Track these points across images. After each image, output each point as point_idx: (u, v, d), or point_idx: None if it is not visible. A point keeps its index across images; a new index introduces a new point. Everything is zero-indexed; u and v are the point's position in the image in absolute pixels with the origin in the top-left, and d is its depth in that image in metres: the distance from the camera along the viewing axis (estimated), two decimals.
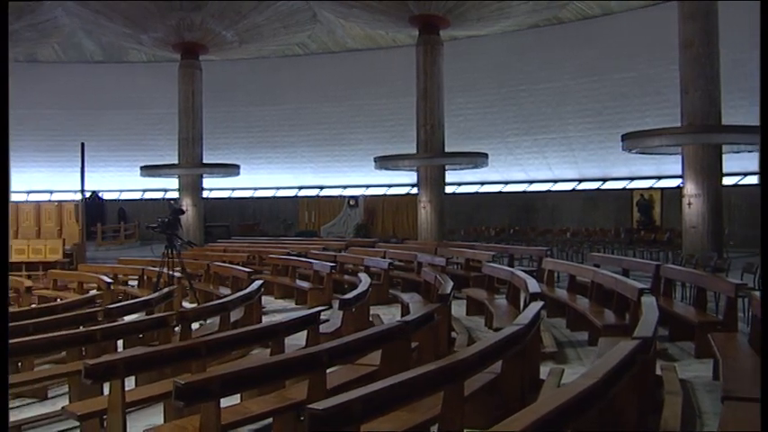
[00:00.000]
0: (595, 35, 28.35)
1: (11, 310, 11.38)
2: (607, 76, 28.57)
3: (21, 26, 29.54)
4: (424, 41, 26.21)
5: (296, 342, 7.61)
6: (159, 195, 35.95)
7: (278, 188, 36.59)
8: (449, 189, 27.85)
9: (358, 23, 30.34)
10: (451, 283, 9.56)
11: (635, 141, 20.11)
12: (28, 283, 13.99)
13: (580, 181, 31.52)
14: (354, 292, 9.58)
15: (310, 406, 3.82)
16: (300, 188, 36.26)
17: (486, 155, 26.64)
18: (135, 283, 15.57)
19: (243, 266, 14.88)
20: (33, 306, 12.42)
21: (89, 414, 6.00)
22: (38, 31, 30.56)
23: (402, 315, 11.27)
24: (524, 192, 32.70)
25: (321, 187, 36.05)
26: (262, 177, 35.80)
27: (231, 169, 31.42)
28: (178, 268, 12.97)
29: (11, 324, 8.40)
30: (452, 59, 27.58)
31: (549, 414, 3.59)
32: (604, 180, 30.86)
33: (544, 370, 7.19)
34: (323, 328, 8.13)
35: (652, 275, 10.90)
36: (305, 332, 7.68)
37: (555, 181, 32.17)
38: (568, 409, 3.77)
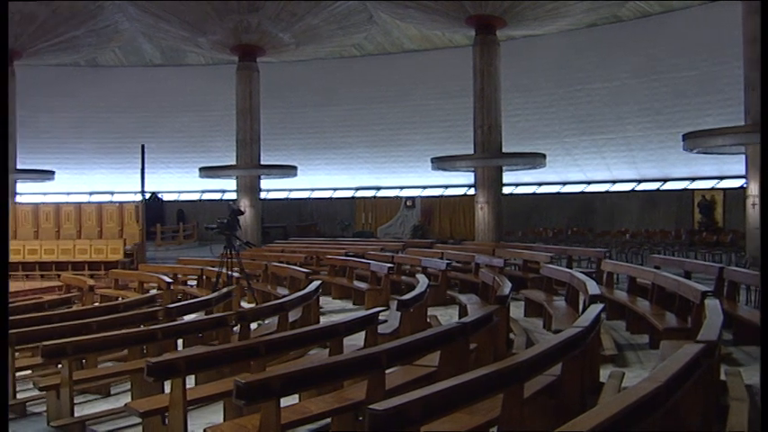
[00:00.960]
0: (655, 33, 27.94)
1: (75, 308, 11.63)
2: (667, 74, 28.14)
3: (82, 32, 30.18)
4: (481, 42, 26.08)
5: (353, 342, 7.63)
6: (217, 196, 36.36)
7: (335, 189, 36.73)
8: (506, 190, 27.68)
9: (414, 24, 30.33)
10: (510, 285, 9.49)
11: (697, 141, 19.73)
12: (90, 282, 14.20)
13: (639, 181, 31.09)
14: (412, 293, 9.56)
15: (371, 406, 3.82)
16: (357, 189, 36.35)
17: (543, 155, 26.42)
18: (194, 282, 15.73)
19: (300, 267, 14.96)
20: (96, 305, 12.61)
21: (151, 411, 6.09)
22: (99, 36, 31.18)
23: (460, 316, 11.25)
24: (582, 192, 32.37)
25: (378, 188, 36.11)
26: (319, 178, 35.99)
27: (288, 170, 31.63)
28: (237, 268, 13.09)
29: (76, 322, 8.62)
30: (509, 59, 27.41)
31: (613, 418, 3.54)
32: (664, 180, 30.40)
33: (604, 373, 7.10)
34: (381, 329, 8.13)
35: (715, 278, 10.67)
36: (363, 333, 7.69)
37: (613, 182, 31.78)
38: (631, 414, 3.72)
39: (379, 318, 7.98)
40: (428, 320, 10.82)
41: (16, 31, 29.18)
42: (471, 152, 26.35)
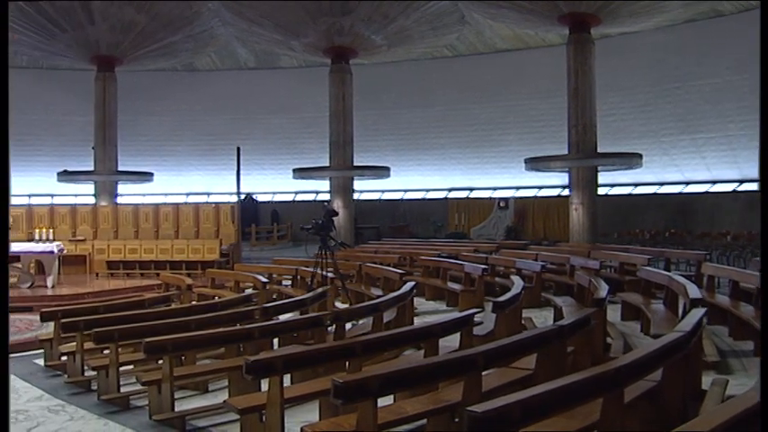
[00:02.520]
0: (758, 27, 27.01)
1: (174, 306, 11.90)
2: None
3: (180, 38, 31.00)
4: (575, 40, 25.77)
5: (446, 344, 7.60)
6: (311, 197, 36.74)
7: (428, 190, 36.72)
8: (601, 190, 27.26)
9: (507, 24, 30.14)
10: (606, 287, 9.33)
11: None
12: (188, 281, 14.50)
13: (741, 182, 30.13)
14: (508, 295, 9.49)
15: (469, 408, 3.81)
16: (450, 190, 36.26)
17: (640, 155, 25.93)
18: (288, 282, 15.90)
19: (394, 268, 14.99)
20: (193, 303, 12.89)
21: (249, 408, 6.19)
22: (195, 41, 31.96)
23: (555, 319, 11.11)
24: (680, 193, 31.59)
25: (471, 189, 35.95)
26: (411, 179, 36.05)
27: (381, 171, 31.82)
28: (331, 269, 13.19)
29: (176, 320, 8.83)
30: (604, 57, 26.97)
31: (719, 428, 3.45)
32: None
33: (706, 380, 6.88)
34: (476, 331, 8.09)
35: None
36: (457, 334, 7.66)
37: (713, 182, 30.90)
38: (737, 425, 3.61)
39: (475, 319, 7.93)
40: (523, 322, 10.72)
41: (117, 39, 30.15)
42: (565, 152, 26.05)
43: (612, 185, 31.94)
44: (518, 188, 34.75)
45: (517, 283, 10.44)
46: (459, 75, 34.55)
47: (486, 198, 35.03)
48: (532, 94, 32.89)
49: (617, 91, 30.38)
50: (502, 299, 9.21)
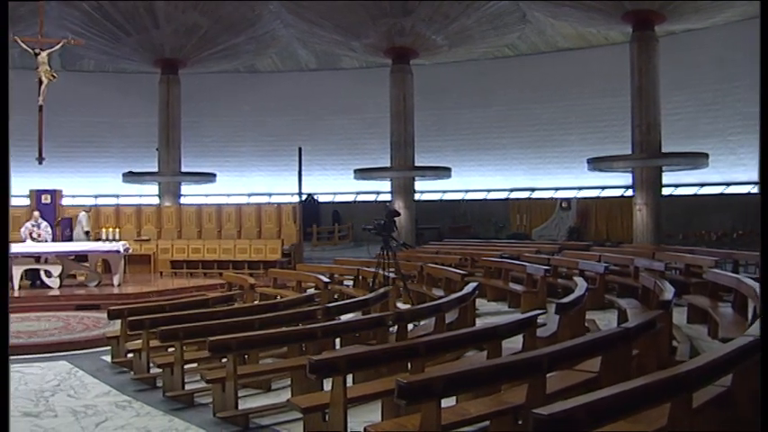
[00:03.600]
0: None
1: (237, 305, 12.02)
2: None
3: (242, 40, 31.35)
4: (638, 38, 25.42)
5: (508, 345, 7.53)
6: (372, 198, 36.81)
7: (489, 190, 36.52)
8: (665, 191, 26.82)
9: (569, 22, 29.86)
10: (672, 290, 9.17)
11: None
12: (251, 280, 14.62)
13: None
14: (571, 296, 9.38)
15: (535, 411, 3.78)
16: (511, 190, 36.01)
17: (706, 155, 25.46)
18: (350, 282, 15.93)
19: (455, 268, 14.94)
20: (256, 303, 13.01)
21: (312, 407, 6.25)
22: (257, 43, 32.32)
23: (619, 321, 10.94)
24: (748, 194, 30.90)
25: (532, 189, 35.66)
26: (472, 179, 35.89)
27: (442, 171, 31.79)
28: (393, 269, 13.20)
29: (240, 319, 8.92)
30: (668, 55, 26.55)
31: None
32: None
33: None
34: (539, 332, 8.02)
35: None
36: (520, 336, 7.60)
37: None
38: None
39: (537, 321, 7.86)
40: (586, 324, 10.59)
41: (181, 42, 30.62)
42: (629, 152, 25.70)
43: (677, 186, 31.37)
44: (580, 188, 34.36)
45: (580, 285, 10.30)
46: (521, 74, 34.33)
47: (548, 198, 34.71)
48: (595, 93, 32.53)
49: (682, 89, 29.86)
50: (565, 300, 9.11)
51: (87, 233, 20.05)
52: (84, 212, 21.40)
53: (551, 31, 32.00)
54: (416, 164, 31.25)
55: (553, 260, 16.17)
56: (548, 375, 5.72)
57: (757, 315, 7.61)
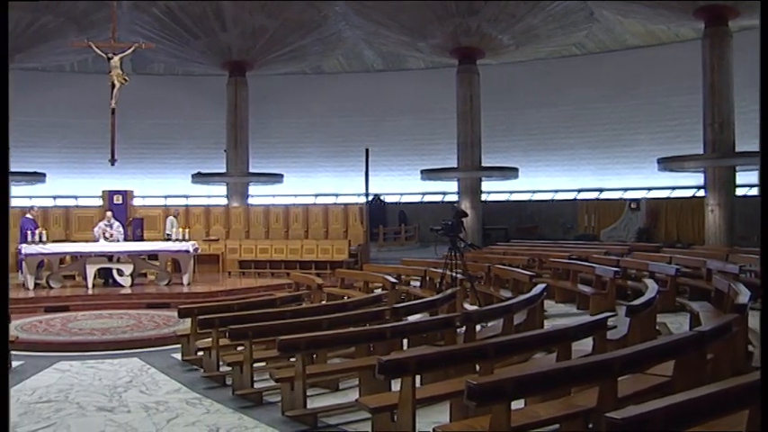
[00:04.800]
0: None
1: (304, 305, 12.09)
2: None
3: (308, 41, 31.61)
4: (711, 34, 24.86)
5: (577, 347, 7.43)
6: (438, 198, 36.76)
7: (556, 191, 36.17)
8: (740, 191, 26.21)
9: (638, 20, 29.42)
10: (748, 293, 8.95)
11: None
12: (319, 280, 14.69)
13: None
14: (642, 299, 9.22)
15: (608, 414, 3.72)
16: (579, 191, 35.60)
17: None
18: (417, 283, 15.92)
19: (523, 269, 14.82)
20: (324, 303, 13.07)
21: (381, 408, 6.25)
22: (324, 44, 32.53)
23: (691, 324, 10.74)
24: None
25: (601, 190, 35.20)
26: (540, 180, 35.58)
27: (509, 172, 31.60)
28: (460, 270, 13.14)
29: (308, 319, 8.98)
30: (742, 51, 25.89)
31: None
32: None
33: None
34: (609, 335, 7.89)
35: None
36: (589, 338, 7.49)
37: None
38: None
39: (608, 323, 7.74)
40: (657, 328, 10.42)
41: (248, 44, 30.99)
42: (701, 152, 25.18)
43: (752, 186, 30.61)
44: (650, 189, 33.78)
45: (651, 287, 10.12)
46: (588, 73, 33.95)
47: (617, 199, 34.20)
48: (665, 91, 31.98)
49: (757, 86, 29.02)
50: (636, 303, 8.96)
51: (169, 236, 20.21)
52: (172, 216, 21.73)
53: (620, 29, 31.56)
54: (483, 164, 31.11)
55: (622, 262, 15.93)
56: (619, 379, 5.63)
57: None
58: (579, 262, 16.30)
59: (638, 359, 5.84)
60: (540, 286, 10.60)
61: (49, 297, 16.36)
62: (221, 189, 34.00)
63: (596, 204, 34.46)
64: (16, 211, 23.07)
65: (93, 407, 7.77)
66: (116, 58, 18.53)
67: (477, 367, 6.88)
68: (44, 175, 31.36)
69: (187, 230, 19.66)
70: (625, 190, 34.45)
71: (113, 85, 18.52)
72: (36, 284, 17.42)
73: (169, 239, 19.65)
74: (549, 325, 11.03)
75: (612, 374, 5.41)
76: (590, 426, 5.65)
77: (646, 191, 33.90)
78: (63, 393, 8.35)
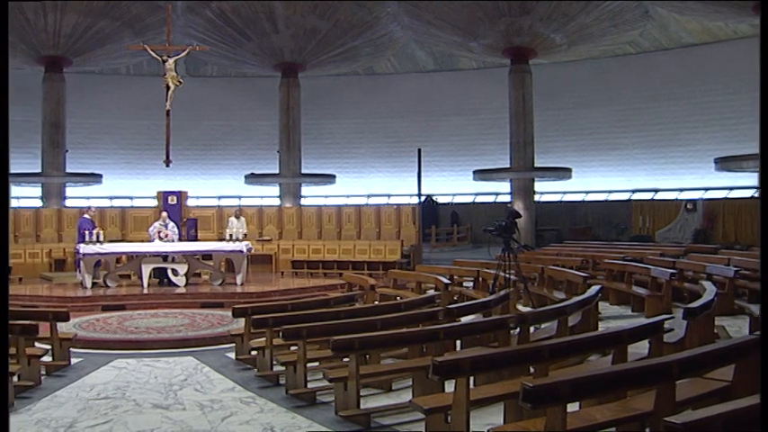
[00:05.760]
0: None
1: (357, 305, 12.11)
2: None
3: (360, 42, 31.69)
4: None
5: (632, 351, 7.32)
6: (491, 199, 36.60)
7: (610, 191, 35.75)
8: None
9: (694, 17, 28.95)
10: None
11: None
12: (371, 281, 14.68)
13: None
14: (700, 301, 9.05)
15: (667, 419, 3.65)
16: (634, 191, 35.15)
17: None
18: (470, 284, 15.84)
19: (577, 271, 14.67)
20: (376, 303, 13.08)
21: (435, 408, 6.23)
22: (375, 45, 32.58)
23: (750, 328, 10.55)
24: None
25: (656, 190, 34.70)
26: (593, 180, 35.21)
27: (562, 172, 31.35)
28: (513, 271, 13.06)
29: (362, 319, 8.99)
30: None
31: None
32: None
33: None
34: (666, 338, 7.76)
35: None
36: (645, 341, 7.38)
37: None
38: None
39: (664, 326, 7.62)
40: (715, 331, 10.24)
41: (300, 45, 31.17)
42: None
43: None
44: (707, 189, 33.23)
45: (709, 289, 9.94)
46: (643, 72, 33.51)
47: (673, 200, 33.69)
48: (723, 89, 31.44)
49: None
50: (694, 305, 8.79)
51: (230, 236, 20.20)
52: (233, 218, 21.85)
53: (675, 27, 31.10)
54: (536, 164, 30.91)
55: (679, 263, 15.70)
56: (677, 383, 5.55)
57: None
58: (634, 263, 16.07)
59: (697, 363, 5.75)
60: (595, 288, 10.50)
61: (106, 296, 16.63)
62: (274, 190, 34.24)
63: (651, 205, 33.96)
64: (74, 211, 23.58)
65: (150, 404, 7.89)
66: (171, 61, 18.77)
67: (531, 369, 6.83)
68: (101, 176, 31.93)
69: (243, 230, 19.89)
70: (681, 190, 33.93)
71: (168, 88, 18.76)
72: (93, 283, 17.74)
73: (223, 239, 19.80)
74: (603, 327, 10.93)
75: (671, 378, 5.33)
76: (647, 430, 5.58)
77: (702, 191, 33.35)
78: (120, 390, 8.48)
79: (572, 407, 5.76)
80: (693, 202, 32.36)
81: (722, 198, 32.66)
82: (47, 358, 9.49)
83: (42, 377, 8.96)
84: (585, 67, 34.25)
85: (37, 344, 9.44)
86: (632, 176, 34.84)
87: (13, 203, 30.71)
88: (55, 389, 8.58)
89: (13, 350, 8.42)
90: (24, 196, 32.75)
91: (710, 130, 31.83)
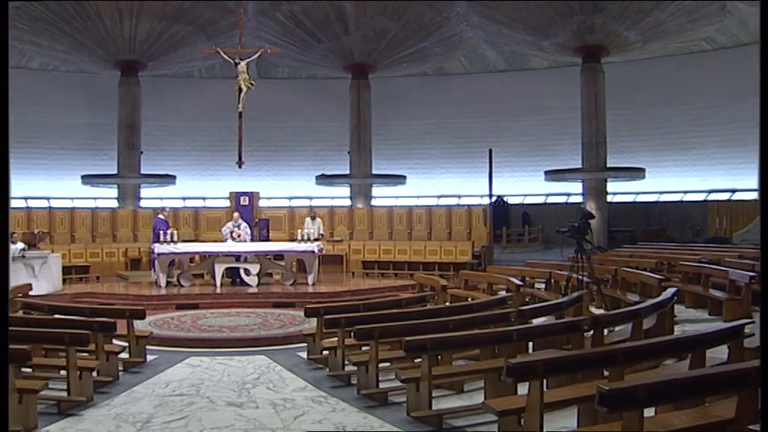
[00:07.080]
0: None
1: (429, 306, 12.09)
2: None
3: (430, 43, 31.70)
4: None
5: (710, 356, 7.14)
6: (562, 200, 36.22)
7: (685, 192, 35.04)
8: None
9: None
10: None
11: None
12: (443, 281, 14.63)
13: None
14: None
15: (751, 427, 3.55)
16: (710, 192, 34.39)
17: None
18: (542, 285, 15.67)
19: (651, 273, 14.40)
20: (447, 304, 13.04)
21: (508, 411, 6.19)
22: (446, 46, 32.54)
23: None
24: None
25: (733, 191, 33.88)
26: (668, 180, 34.56)
27: (635, 173, 30.87)
28: (586, 273, 12.88)
29: (434, 320, 8.98)
30: None
31: None
32: None
33: None
34: (746, 343, 7.55)
35: None
36: (724, 346, 7.20)
37: None
38: None
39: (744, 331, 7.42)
40: None
41: (370, 47, 31.29)
42: None
43: None
44: None
45: None
46: (720, 69, 32.72)
47: (751, 200, 32.84)
48: None
49: None
50: None
51: (307, 236, 20.24)
52: (309, 218, 21.99)
53: (755, 21, 30.26)
54: (609, 164, 30.46)
55: (758, 266, 15.26)
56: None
57: None
58: (711, 266, 15.70)
59: None
60: (671, 290, 10.29)
61: (179, 295, 16.94)
62: (345, 190, 34.42)
63: (728, 206, 33.13)
64: (149, 211, 24.05)
65: (223, 401, 8.01)
66: (243, 63, 19.01)
67: (605, 372, 6.73)
68: (174, 177, 32.50)
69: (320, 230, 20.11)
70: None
71: (240, 90, 19.00)
72: (168, 282, 18.08)
73: (294, 239, 19.93)
74: (679, 331, 10.72)
75: (752, 385, 5.17)
76: None
77: None
78: (194, 388, 8.62)
79: (648, 411, 5.66)
80: None
81: None
82: (124, 355, 9.68)
83: (120, 373, 9.15)
84: (660, 64, 33.62)
85: (114, 341, 9.64)
86: (708, 176, 34.10)
87: (91, 204, 31.48)
88: (132, 385, 8.77)
89: (92, 346, 8.63)
90: (101, 197, 33.53)
91: None
